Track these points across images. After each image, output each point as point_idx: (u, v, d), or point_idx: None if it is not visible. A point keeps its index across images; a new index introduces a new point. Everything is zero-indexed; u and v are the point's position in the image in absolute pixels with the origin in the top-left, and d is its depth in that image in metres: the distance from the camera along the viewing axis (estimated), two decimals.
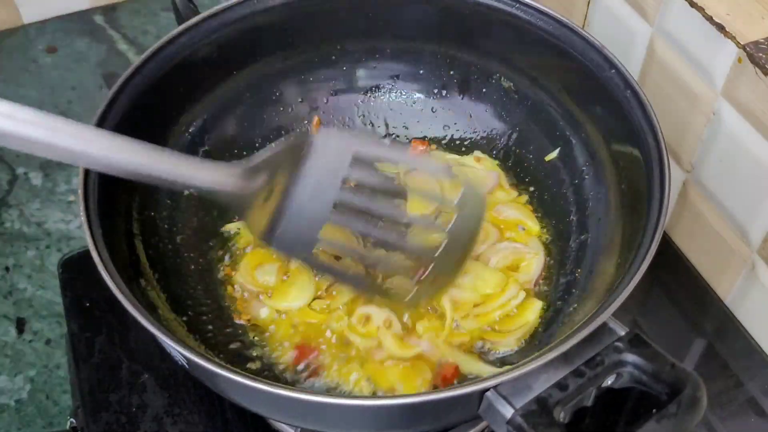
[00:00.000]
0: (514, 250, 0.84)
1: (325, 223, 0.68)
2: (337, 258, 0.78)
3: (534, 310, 0.79)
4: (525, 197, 0.90)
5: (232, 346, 0.77)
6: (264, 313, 0.80)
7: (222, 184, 0.65)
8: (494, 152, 0.93)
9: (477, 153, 0.93)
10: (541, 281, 0.83)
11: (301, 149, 0.68)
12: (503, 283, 0.81)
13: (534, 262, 0.83)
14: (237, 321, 0.80)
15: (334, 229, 0.71)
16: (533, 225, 0.87)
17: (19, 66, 1.32)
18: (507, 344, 0.78)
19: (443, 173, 0.79)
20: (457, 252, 0.71)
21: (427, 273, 0.71)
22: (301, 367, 0.76)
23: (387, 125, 0.96)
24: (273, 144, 0.71)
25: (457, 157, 0.93)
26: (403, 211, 0.77)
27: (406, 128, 0.96)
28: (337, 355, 0.76)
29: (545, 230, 0.86)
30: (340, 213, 0.69)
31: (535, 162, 0.90)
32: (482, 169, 0.91)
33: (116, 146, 0.61)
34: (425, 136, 0.95)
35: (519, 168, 0.91)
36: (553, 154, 0.88)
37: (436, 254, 0.70)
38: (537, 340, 0.77)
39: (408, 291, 0.72)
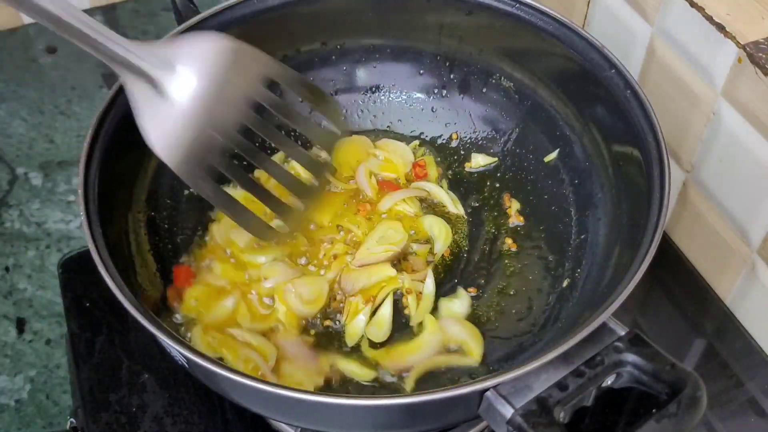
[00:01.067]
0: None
1: (227, 138, 0.70)
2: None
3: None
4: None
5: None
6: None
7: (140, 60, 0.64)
8: (494, 152, 0.93)
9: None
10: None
11: (220, 59, 0.68)
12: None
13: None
14: None
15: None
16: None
17: (19, 66, 1.32)
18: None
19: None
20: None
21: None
22: None
23: (388, 124, 0.96)
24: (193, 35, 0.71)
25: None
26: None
27: (406, 128, 0.96)
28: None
29: (540, 233, 0.87)
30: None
31: (535, 162, 0.90)
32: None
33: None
34: (422, 132, 0.96)
35: (519, 168, 0.91)
36: (553, 155, 0.88)
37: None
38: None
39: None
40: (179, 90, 0.66)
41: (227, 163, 0.72)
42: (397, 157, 0.93)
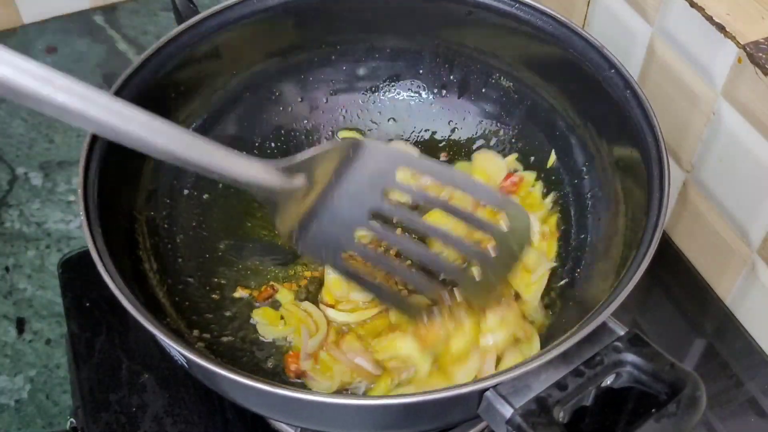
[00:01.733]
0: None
1: (359, 228, 0.68)
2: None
3: None
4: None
5: (235, 343, 0.78)
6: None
7: (260, 179, 0.64)
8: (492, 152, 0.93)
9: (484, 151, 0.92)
10: None
11: (347, 154, 0.67)
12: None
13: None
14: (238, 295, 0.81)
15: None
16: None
17: None
18: None
19: (491, 198, 0.72)
20: (493, 277, 0.69)
21: (453, 298, 0.69)
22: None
23: (388, 124, 0.96)
24: (320, 145, 0.70)
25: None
26: (442, 230, 0.72)
27: (406, 128, 0.96)
28: None
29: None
30: (375, 222, 0.68)
31: (534, 161, 0.90)
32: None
33: (160, 131, 0.59)
34: (428, 130, 0.96)
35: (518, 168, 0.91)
36: (552, 155, 0.88)
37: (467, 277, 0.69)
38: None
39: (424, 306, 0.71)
40: (298, 195, 0.67)
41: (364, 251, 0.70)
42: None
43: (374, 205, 0.67)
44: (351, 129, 0.96)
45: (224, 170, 0.62)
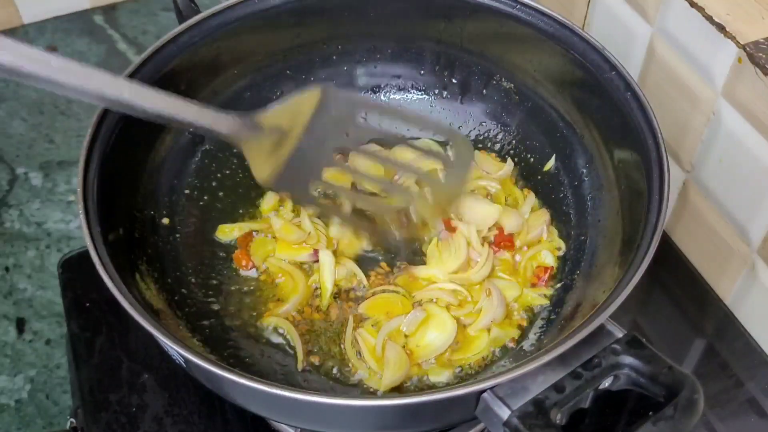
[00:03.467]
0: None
1: (327, 166, 0.74)
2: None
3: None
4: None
5: (230, 343, 0.78)
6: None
7: (217, 127, 0.70)
8: (494, 153, 0.93)
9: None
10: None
11: (315, 102, 0.74)
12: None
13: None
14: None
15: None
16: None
17: None
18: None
19: (440, 129, 0.91)
20: (443, 197, 0.78)
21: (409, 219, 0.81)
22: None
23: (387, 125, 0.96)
24: (285, 97, 0.76)
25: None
26: (399, 160, 0.87)
27: (407, 128, 0.96)
28: None
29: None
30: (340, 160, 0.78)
31: (534, 163, 0.90)
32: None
33: (134, 91, 0.66)
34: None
35: (519, 169, 0.91)
36: (553, 158, 0.88)
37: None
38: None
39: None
40: (267, 143, 0.73)
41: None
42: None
43: (338, 144, 0.75)
44: None
45: (180, 116, 0.68)
